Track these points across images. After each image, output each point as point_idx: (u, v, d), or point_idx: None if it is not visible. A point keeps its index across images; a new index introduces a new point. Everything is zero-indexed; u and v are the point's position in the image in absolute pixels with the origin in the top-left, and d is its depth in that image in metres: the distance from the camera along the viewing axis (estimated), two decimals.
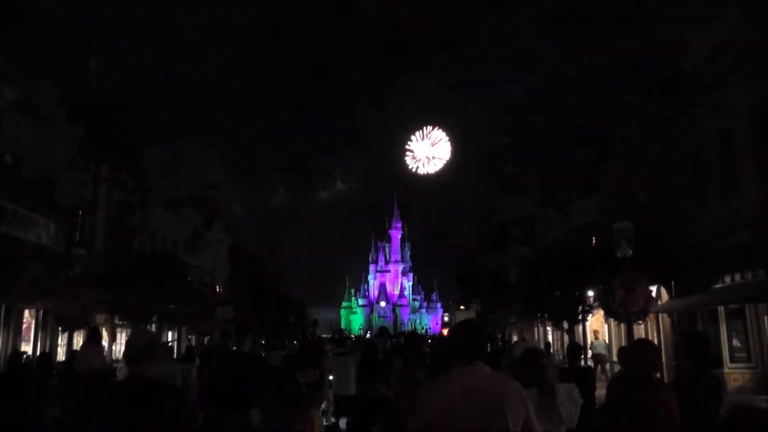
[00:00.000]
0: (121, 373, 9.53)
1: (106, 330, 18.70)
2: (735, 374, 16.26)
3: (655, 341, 19.09)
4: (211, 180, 49.06)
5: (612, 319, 16.77)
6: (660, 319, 20.03)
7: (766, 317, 15.85)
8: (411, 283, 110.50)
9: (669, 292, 19.39)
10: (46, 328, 17.72)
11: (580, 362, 7.90)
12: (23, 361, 11.23)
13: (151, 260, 22.04)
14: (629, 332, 14.05)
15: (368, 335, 66.20)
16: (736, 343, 16.97)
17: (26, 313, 17.13)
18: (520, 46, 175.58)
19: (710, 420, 4.23)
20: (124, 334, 22.05)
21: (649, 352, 4.49)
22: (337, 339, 12.40)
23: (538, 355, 4.77)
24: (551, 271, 19.80)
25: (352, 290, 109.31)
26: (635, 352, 4.62)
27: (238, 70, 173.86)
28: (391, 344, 11.81)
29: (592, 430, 5.93)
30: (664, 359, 18.25)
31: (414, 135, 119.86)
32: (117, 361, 18.55)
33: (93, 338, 12.25)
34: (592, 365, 19.01)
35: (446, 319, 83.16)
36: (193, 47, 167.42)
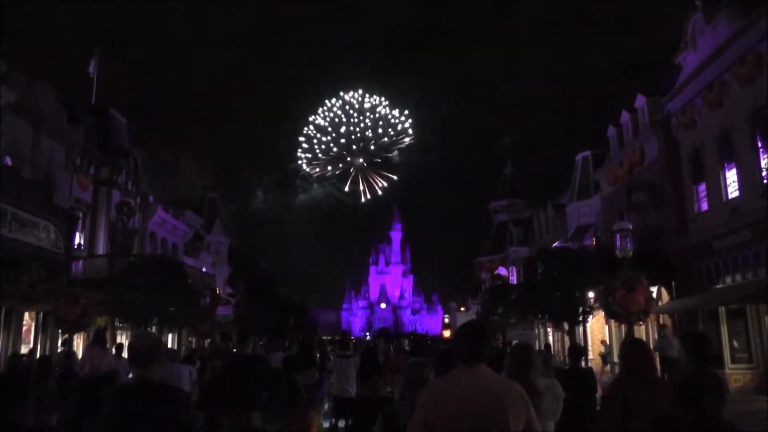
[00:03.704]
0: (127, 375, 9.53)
1: (108, 332, 18.65)
2: (736, 375, 16.26)
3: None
4: (209, 182, 48.98)
5: (612, 320, 16.78)
6: (661, 319, 20.03)
7: (767, 317, 15.86)
8: (411, 285, 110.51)
9: (669, 292, 19.39)
10: (46, 331, 17.69)
11: (581, 363, 7.90)
12: (22, 364, 11.22)
13: (151, 262, 22.01)
14: (630, 333, 14.04)
15: (367, 337, 66.23)
16: (736, 343, 16.97)
17: (26, 315, 17.10)
18: (520, 47, 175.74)
19: (711, 421, 4.21)
20: (124, 336, 22.02)
21: (647, 352, 4.50)
22: (340, 341, 12.40)
23: (529, 350, 4.79)
24: (551, 272, 19.79)
25: (353, 292, 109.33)
26: (632, 352, 4.63)
27: (237, 71, 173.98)
28: (378, 344, 11.83)
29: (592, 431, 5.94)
30: None
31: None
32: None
33: (97, 341, 12.24)
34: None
35: (446, 320, 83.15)
36: (192, 49, 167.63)
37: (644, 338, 18.19)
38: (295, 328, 38.95)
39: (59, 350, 15.12)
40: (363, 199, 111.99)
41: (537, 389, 4.34)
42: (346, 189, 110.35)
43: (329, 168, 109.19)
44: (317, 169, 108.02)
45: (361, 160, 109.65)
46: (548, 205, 36.90)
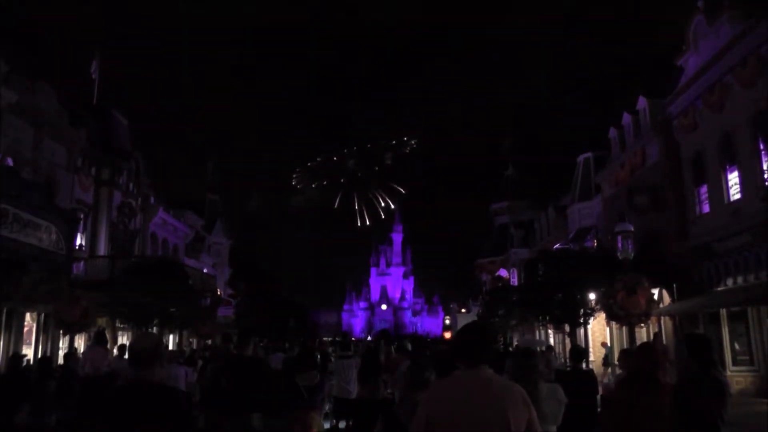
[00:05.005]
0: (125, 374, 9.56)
1: (108, 333, 18.68)
2: (738, 377, 16.21)
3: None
4: (210, 182, 48.98)
5: (613, 322, 16.75)
6: (662, 321, 20.01)
7: None
8: (412, 286, 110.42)
9: (671, 294, 19.37)
10: (47, 332, 17.70)
11: (582, 365, 7.89)
12: (23, 365, 11.23)
13: (152, 263, 22.03)
14: (631, 335, 14.02)
15: (368, 338, 66.20)
16: (738, 346, 16.94)
17: (27, 316, 17.10)
18: (521, 49, 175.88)
19: (712, 422, 4.21)
20: (125, 337, 22.03)
21: (654, 354, 4.49)
22: (340, 342, 12.42)
23: (532, 356, 4.80)
24: (552, 274, 19.78)
25: (353, 293, 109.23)
26: (639, 354, 4.62)
27: (237, 73, 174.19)
28: (380, 345, 11.81)
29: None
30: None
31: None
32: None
33: (99, 342, 12.28)
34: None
35: (447, 322, 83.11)
36: (194, 50, 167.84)
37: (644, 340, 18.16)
38: (296, 330, 38.98)
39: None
40: (359, 222, 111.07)
41: (539, 394, 4.35)
42: (335, 206, 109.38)
43: (316, 177, 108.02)
44: (306, 175, 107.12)
45: (353, 162, 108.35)
46: (549, 207, 36.87)
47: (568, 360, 13.18)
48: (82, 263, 18.46)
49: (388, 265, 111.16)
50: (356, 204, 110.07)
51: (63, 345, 17.77)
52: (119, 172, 26.76)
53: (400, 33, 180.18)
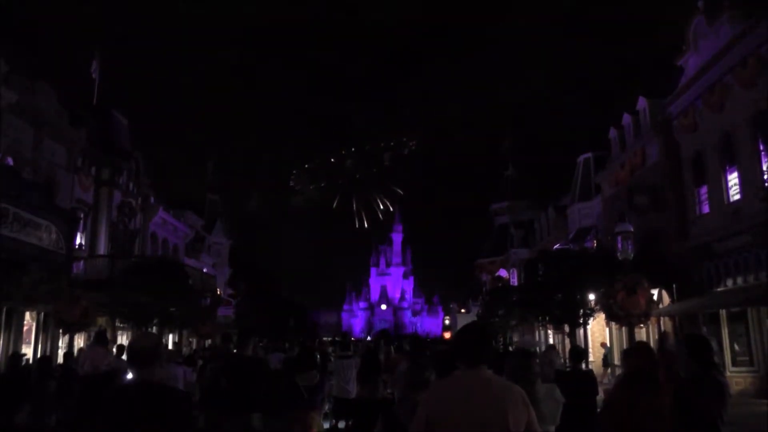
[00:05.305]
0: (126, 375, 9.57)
1: (108, 333, 18.69)
2: (737, 378, 16.20)
3: (657, 345, 19.07)
4: (210, 182, 48.98)
5: (613, 323, 16.75)
6: (662, 322, 20.00)
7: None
8: (412, 286, 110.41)
9: (670, 295, 19.38)
10: (47, 331, 17.71)
11: (581, 366, 7.89)
12: (23, 364, 11.24)
13: (152, 263, 22.04)
14: (631, 335, 14.03)
15: (368, 338, 66.26)
16: (737, 346, 16.94)
17: (27, 315, 17.12)
18: (521, 49, 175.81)
19: (712, 422, 4.22)
20: (125, 337, 22.04)
21: (652, 353, 4.50)
22: (340, 342, 12.45)
23: (529, 357, 4.81)
24: (552, 274, 19.78)
25: (353, 293, 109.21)
26: (638, 354, 4.62)
27: (237, 73, 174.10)
28: (380, 345, 11.81)
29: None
30: None
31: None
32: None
33: (100, 342, 12.25)
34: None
35: (447, 322, 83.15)
36: (194, 50, 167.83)
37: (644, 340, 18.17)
38: (296, 330, 39.01)
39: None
40: (358, 225, 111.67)
41: (536, 395, 4.35)
42: (335, 205, 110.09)
43: (315, 179, 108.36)
44: (304, 177, 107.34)
45: (351, 162, 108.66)
46: (549, 207, 36.88)
47: (567, 360, 13.19)
48: (82, 263, 18.50)
49: (388, 265, 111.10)
50: (355, 207, 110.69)
51: (63, 345, 17.78)
52: (119, 172, 26.76)
53: (400, 33, 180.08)
